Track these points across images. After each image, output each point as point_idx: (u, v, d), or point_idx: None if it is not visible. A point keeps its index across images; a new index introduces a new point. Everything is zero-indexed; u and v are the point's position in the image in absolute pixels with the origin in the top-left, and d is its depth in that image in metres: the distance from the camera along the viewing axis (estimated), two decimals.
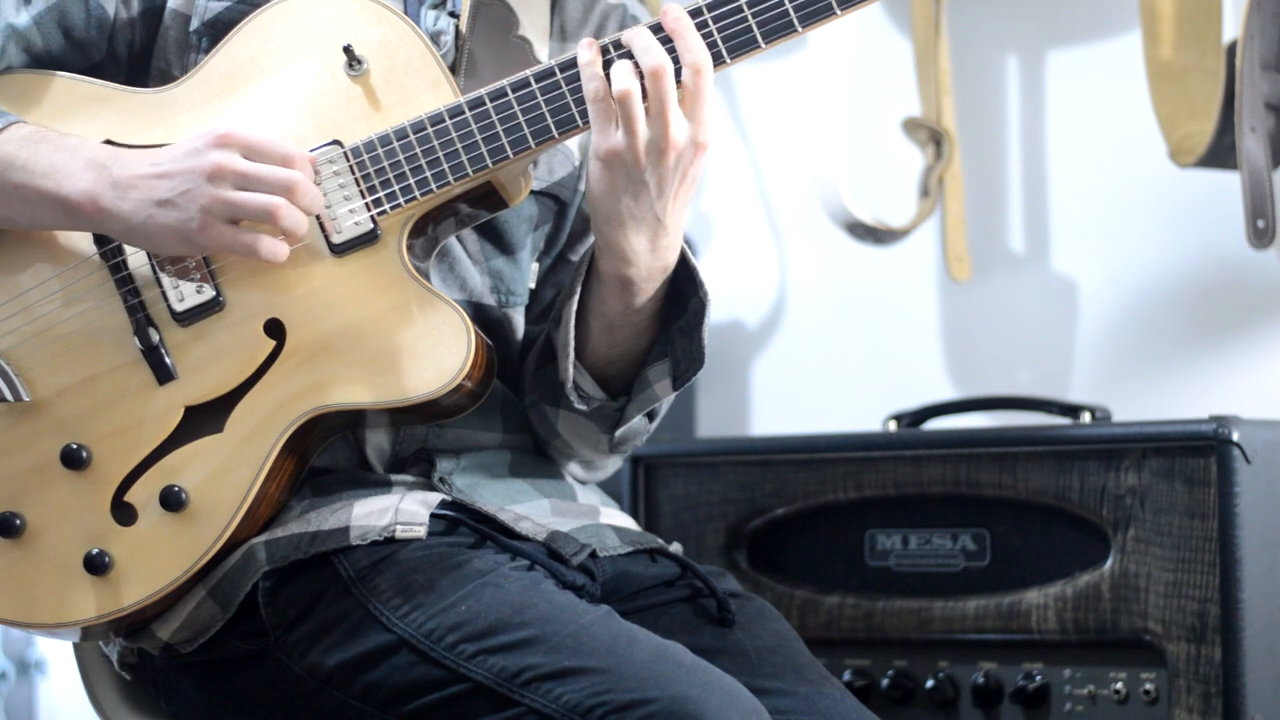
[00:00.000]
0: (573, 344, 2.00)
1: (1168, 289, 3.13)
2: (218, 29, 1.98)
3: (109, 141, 1.95)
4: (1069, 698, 2.51)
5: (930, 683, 2.58)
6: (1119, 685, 2.48)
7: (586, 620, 1.84)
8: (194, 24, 2.00)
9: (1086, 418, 2.70)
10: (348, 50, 1.95)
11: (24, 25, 1.98)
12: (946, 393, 3.24)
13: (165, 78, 2.00)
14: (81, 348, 1.95)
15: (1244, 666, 2.38)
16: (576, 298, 2.00)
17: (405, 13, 2.00)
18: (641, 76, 1.87)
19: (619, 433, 2.08)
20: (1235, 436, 2.41)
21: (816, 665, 2.01)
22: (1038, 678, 2.53)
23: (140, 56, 2.02)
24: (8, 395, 1.93)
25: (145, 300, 1.94)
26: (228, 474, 1.92)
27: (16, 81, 1.99)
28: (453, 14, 2.05)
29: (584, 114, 1.92)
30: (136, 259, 1.94)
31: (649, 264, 1.97)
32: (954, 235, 3.21)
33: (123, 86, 1.99)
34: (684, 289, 2.03)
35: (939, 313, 3.32)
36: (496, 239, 2.07)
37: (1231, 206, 2.80)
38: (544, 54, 2.08)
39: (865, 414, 3.04)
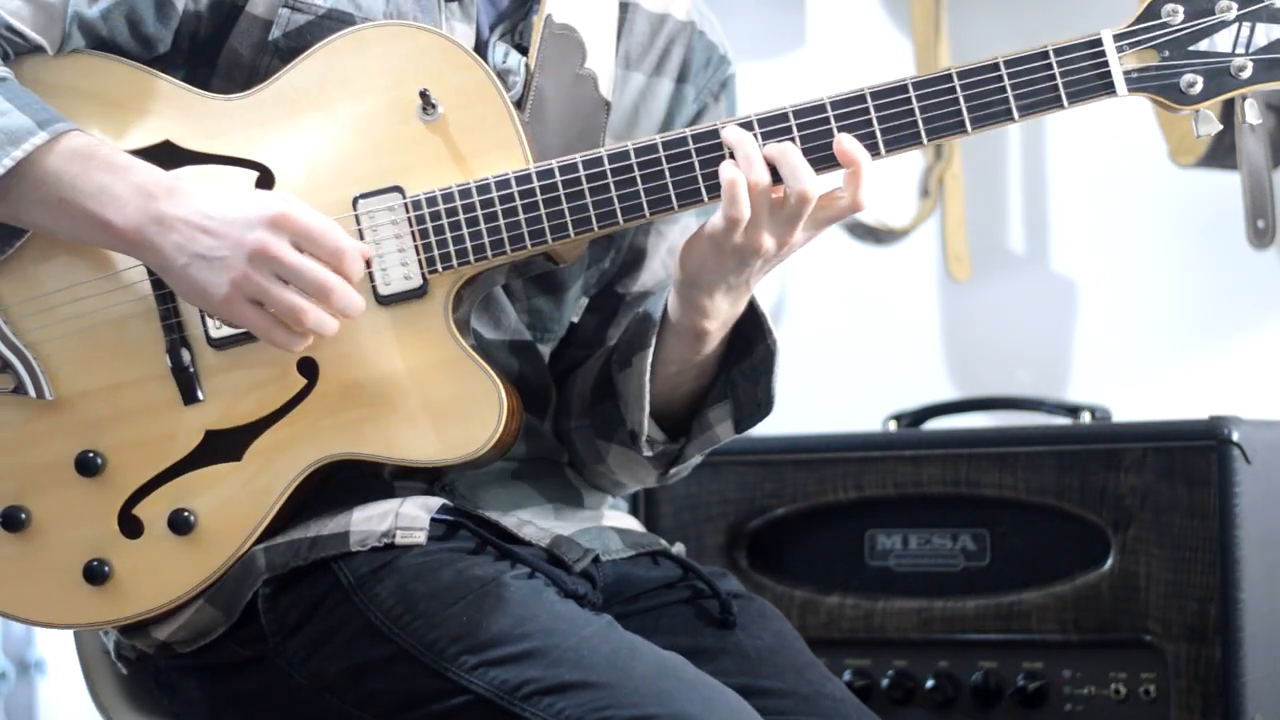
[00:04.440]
0: (649, 398, 1.97)
1: (1168, 289, 3.13)
2: (298, 40, 1.94)
3: (168, 143, 1.92)
4: (1069, 698, 2.51)
5: (930, 683, 2.58)
6: (1119, 685, 2.48)
7: (588, 632, 1.83)
8: (274, 33, 1.95)
9: (1086, 418, 2.70)
10: (424, 94, 1.89)
11: (93, 16, 1.93)
12: (946, 393, 3.24)
13: (235, 64, 1.96)
14: (111, 355, 1.92)
15: (1244, 666, 2.38)
16: (652, 350, 1.97)
17: (477, 41, 1.97)
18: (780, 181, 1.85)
19: (673, 470, 2.07)
20: (1235, 436, 2.41)
21: (817, 665, 2.01)
22: (1038, 678, 2.53)
23: (204, 45, 1.98)
24: (31, 391, 1.92)
25: (184, 320, 1.91)
26: (238, 505, 1.90)
27: (86, 65, 1.95)
28: (520, 47, 2.01)
29: (654, 204, 1.87)
30: None
31: (728, 316, 1.96)
32: (954, 235, 3.21)
33: (191, 88, 1.94)
34: (748, 333, 2.00)
35: (939, 313, 3.32)
36: (543, 279, 2.04)
37: (1231, 206, 2.80)
38: (607, 88, 2.03)
39: (865, 414, 3.04)
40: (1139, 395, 3.08)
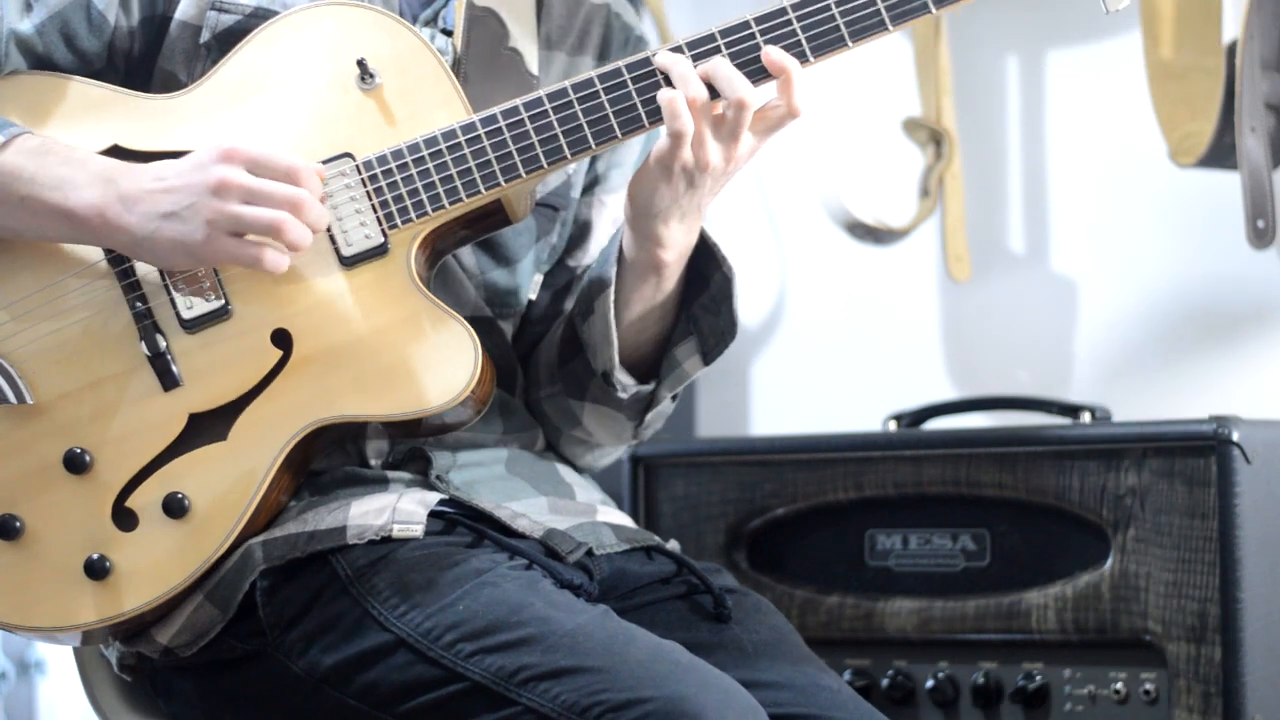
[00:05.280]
0: (615, 335, 2.01)
1: (1168, 289, 3.13)
2: (228, 41, 1.98)
3: (116, 146, 1.95)
4: (1069, 698, 2.51)
5: (930, 683, 2.58)
6: (1119, 685, 2.48)
7: (583, 619, 1.84)
8: (204, 36, 2.00)
9: (1086, 418, 2.70)
10: (361, 64, 1.94)
11: (27, 32, 1.98)
12: (946, 393, 3.24)
13: (171, 83, 2.00)
14: (86, 352, 1.94)
15: (1244, 666, 2.38)
16: (613, 289, 2.02)
17: None
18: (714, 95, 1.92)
19: (648, 416, 2.11)
20: (1235, 436, 2.41)
21: (814, 658, 2.02)
22: (1038, 678, 2.52)
23: (139, 63, 2.02)
24: (10, 397, 1.93)
25: (153, 307, 1.94)
26: (230, 482, 1.91)
27: (25, 83, 1.99)
28: (446, 31, 2.05)
29: (598, 135, 1.93)
30: (145, 265, 1.94)
31: (684, 245, 2.01)
32: (954, 235, 3.21)
33: (132, 92, 1.98)
34: (703, 267, 2.05)
35: (939, 313, 3.32)
36: (494, 251, 2.08)
37: (1231, 206, 2.80)
38: (533, 64, 2.08)
39: (865, 414, 3.04)
40: (1139, 395, 3.08)
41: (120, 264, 1.94)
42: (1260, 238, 2.76)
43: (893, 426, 2.83)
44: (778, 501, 2.68)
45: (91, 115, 1.97)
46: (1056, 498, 2.52)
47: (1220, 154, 2.85)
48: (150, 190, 1.88)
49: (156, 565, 1.92)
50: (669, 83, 1.91)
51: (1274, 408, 2.92)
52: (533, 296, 2.15)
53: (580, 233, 2.17)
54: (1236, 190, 2.77)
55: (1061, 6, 3.21)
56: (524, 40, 2.09)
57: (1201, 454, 2.43)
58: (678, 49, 1.93)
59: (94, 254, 1.95)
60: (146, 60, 2.02)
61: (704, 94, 1.90)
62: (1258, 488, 2.42)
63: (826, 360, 3.39)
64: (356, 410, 1.92)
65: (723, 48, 1.92)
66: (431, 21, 2.06)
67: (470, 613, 1.85)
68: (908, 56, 3.22)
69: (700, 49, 1.92)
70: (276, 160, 1.88)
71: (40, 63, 1.99)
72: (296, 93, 1.96)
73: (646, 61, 1.93)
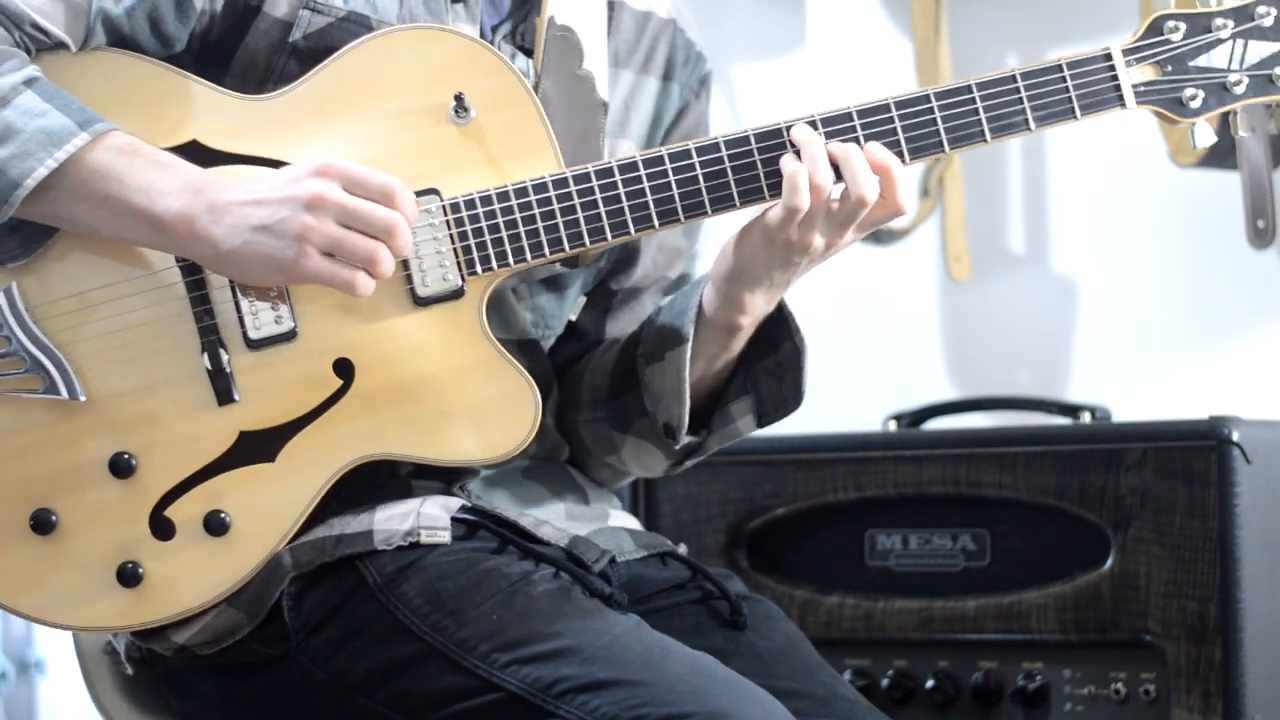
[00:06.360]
0: (688, 393, 2.00)
1: (1168, 289, 3.13)
2: (318, 43, 1.93)
3: (195, 142, 1.90)
4: (1069, 698, 2.51)
5: (930, 683, 2.58)
6: (1119, 685, 2.48)
7: (619, 631, 1.83)
8: (294, 35, 1.94)
9: (1086, 418, 2.70)
10: (459, 97, 1.89)
11: (117, 13, 1.90)
12: (946, 393, 3.24)
13: (249, 71, 1.95)
14: (145, 355, 1.90)
15: (1244, 666, 2.38)
16: (690, 345, 2.00)
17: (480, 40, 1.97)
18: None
19: (688, 462, 2.10)
20: (1235, 436, 2.41)
21: (827, 667, 2.01)
22: (1038, 678, 2.53)
23: (214, 46, 1.96)
24: (63, 392, 1.89)
25: (219, 321, 1.89)
26: (272, 506, 1.89)
27: (109, 62, 1.92)
28: (526, 50, 2.02)
29: (688, 208, 1.91)
30: (216, 277, 1.89)
31: (761, 313, 2.01)
32: (954, 235, 3.21)
33: (216, 86, 1.92)
34: (770, 329, 2.04)
35: (939, 313, 3.32)
36: (549, 278, 2.06)
37: (1231, 206, 2.80)
38: (604, 88, 2.04)
39: (865, 414, 3.04)
40: (1139, 395, 3.08)
41: (191, 273, 1.90)
42: (1260, 238, 2.76)
43: (893, 426, 2.83)
44: (778, 501, 2.69)
45: (173, 105, 1.91)
46: (1056, 498, 2.52)
47: (1220, 154, 2.85)
48: (240, 202, 1.82)
49: (189, 580, 1.89)
50: (798, 156, 1.89)
51: (1274, 408, 2.92)
52: (572, 317, 2.13)
53: (627, 256, 2.14)
54: (1236, 190, 2.77)
55: (1061, 6, 3.21)
56: (595, 60, 2.05)
57: (1201, 454, 2.43)
58: (812, 123, 1.91)
59: (165, 258, 1.90)
60: (223, 44, 1.97)
61: (830, 181, 1.88)
62: (1258, 488, 2.42)
63: (826, 360, 3.38)
64: (408, 450, 1.90)
65: (859, 127, 1.91)
66: (510, 36, 2.02)
67: (504, 622, 1.82)
68: (908, 57, 3.22)
69: (835, 126, 1.91)
70: (373, 179, 1.83)
71: (121, 43, 1.93)
72: (387, 117, 1.91)
73: (777, 132, 1.91)
